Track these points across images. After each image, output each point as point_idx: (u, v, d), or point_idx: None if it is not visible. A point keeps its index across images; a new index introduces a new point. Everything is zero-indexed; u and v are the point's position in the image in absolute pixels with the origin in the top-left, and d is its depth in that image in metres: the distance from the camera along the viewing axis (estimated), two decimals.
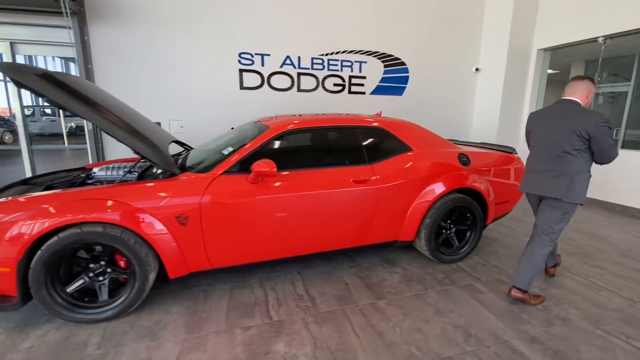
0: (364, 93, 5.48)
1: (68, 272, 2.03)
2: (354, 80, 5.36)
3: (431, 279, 2.63)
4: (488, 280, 2.63)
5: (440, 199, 2.69)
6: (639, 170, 4.49)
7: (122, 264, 2.06)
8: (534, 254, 2.26)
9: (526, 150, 2.53)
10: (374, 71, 5.45)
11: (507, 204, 3.21)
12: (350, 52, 5.22)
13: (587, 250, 3.25)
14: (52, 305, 1.90)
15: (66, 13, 3.51)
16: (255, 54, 4.76)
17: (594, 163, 2.19)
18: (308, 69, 5.06)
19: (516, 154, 3.28)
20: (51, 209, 1.83)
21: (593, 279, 2.69)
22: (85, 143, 4.32)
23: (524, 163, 3.22)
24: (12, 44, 3.91)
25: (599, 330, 2.04)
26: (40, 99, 2.12)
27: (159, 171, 2.42)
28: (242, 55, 4.70)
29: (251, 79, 4.82)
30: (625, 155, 4.53)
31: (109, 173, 2.46)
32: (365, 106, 5.40)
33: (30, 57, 5.51)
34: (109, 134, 2.03)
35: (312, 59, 5.04)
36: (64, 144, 10.11)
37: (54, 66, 5.95)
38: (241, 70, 4.75)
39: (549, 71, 6.00)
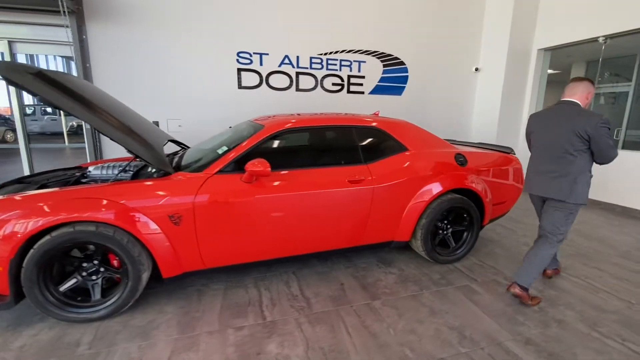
0: (362, 93, 5.46)
1: (61, 271, 2.02)
2: (352, 80, 5.34)
3: (427, 280, 2.61)
4: (484, 281, 2.61)
5: (436, 199, 2.67)
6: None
7: (115, 263, 2.05)
8: (540, 254, 2.28)
9: (525, 150, 2.52)
10: (373, 71, 5.43)
11: (505, 204, 3.19)
12: (349, 51, 5.20)
13: (585, 252, 3.23)
14: (44, 305, 1.89)
15: (64, 12, 3.51)
16: (254, 53, 4.75)
17: (594, 163, 2.21)
18: (307, 68, 5.05)
19: (514, 154, 3.26)
20: (45, 208, 1.82)
21: (591, 280, 2.67)
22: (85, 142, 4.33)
23: (522, 163, 3.23)
24: (10, 43, 3.91)
25: (595, 332, 2.02)
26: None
27: (154, 170, 2.41)
28: (241, 55, 4.70)
29: (249, 78, 4.81)
30: (625, 156, 4.50)
31: (103, 172, 2.46)
32: (364, 106, 5.38)
33: (31, 56, 5.52)
34: (101, 133, 2.02)
35: (311, 58, 5.03)
36: (64, 142, 10.13)
37: (55, 65, 5.97)
38: (239, 70, 4.74)
39: (550, 71, 5.97)
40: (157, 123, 4.45)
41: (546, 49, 5.62)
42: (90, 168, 2.51)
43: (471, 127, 6.33)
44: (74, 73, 4.16)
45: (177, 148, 3.42)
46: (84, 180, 2.39)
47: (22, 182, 2.42)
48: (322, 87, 5.20)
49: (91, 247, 2.01)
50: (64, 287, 1.95)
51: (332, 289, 2.45)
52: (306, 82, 5.10)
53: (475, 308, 2.25)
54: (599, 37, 4.76)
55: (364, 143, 2.66)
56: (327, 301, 2.29)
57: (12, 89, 3.98)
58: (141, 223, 1.97)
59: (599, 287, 2.56)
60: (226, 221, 2.16)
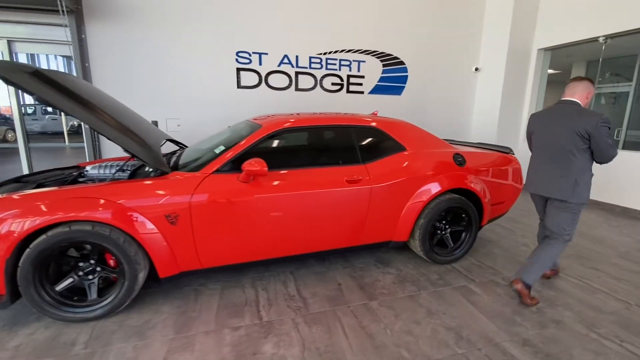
0: (362, 93, 5.45)
1: (57, 270, 2.02)
2: (352, 80, 5.34)
3: (425, 280, 2.60)
4: (482, 281, 2.60)
5: (434, 199, 2.66)
6: None
7: (111, 262, 2.05)
8: (548, 252, 2.29)
9: (525, 150, 2.52)
10: (373, 70, 5.42)
11: (504, 204, 3.18)
12: (349, 51, 5.19)
13: (584, 252, 3.21)
14: (40, 304, 1.89)
15: (63, 11, 3.51)
16: (253, 52, 4.74)
17: (594, 162, 2.22)
18: (306, 68, 5.04)
19: (513, 154, 3.25)
20: (42, 207, 1.82)
21: (589, 281, 2.66)
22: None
23: (522, 163, 3.22)
24: (10, 42, 3.91)
25: (593, 333, 2.01)
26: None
27: (151, 170, 2.41)
28: (240, 54, 4.69)
29: (249, 78, 4.81)
30: (626, 157, 4.48)
31: (101, 171, 2.46)
32: (364, 105, 5.38)
33: (32, 55, 5.52)
34: (98, 132, 2.02)
35: (310, 58, 5.02)
36: (65, 142, 10.14)
37: (57, 65, 5.98)
38: (239, 69, 4.73)
39: (550, 71, 5.96)
40: (156, 123, 4.45)
41: (546, 49, 5.61)
42: (88, 167, 2.51)
43: (471, 127, 6.32)
44: (74, 73, 4.16)
45: (177, 148, 3.42)
46: (81, 180, 2.38)
47: (20, 182, 2.42)
48: (322, 86, 5.19)
49: (87, 246, 2.01)
50: (60, 287, 1.94)
51: (329, 289, 2.44)
52: (305, 81, 5.09)
53: (473, 309, 2.24)
54: (599, 37, 4.74)
55: (362, 143, 2.66)
56: (324, 301, 2.28)
57: (11, 88, 3.99)
58: (137, 223, 1.96)
59: (597, 287, 2.55)
60: (223, 221, 2.15)
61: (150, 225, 1.99)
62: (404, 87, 5.69)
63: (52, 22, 3.82)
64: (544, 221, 2.46)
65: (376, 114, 3.30)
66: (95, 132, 4.28)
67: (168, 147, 3.48)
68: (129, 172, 2.39)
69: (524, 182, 3.12)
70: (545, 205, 2.43)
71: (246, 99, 4.84)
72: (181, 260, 2.13)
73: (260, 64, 4.81)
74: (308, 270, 2.72)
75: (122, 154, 3.20)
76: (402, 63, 5.57)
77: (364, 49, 5.28)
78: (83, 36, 4.01)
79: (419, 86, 5.76)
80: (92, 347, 1.80)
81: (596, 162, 2.21)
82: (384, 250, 3.12)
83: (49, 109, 11.85)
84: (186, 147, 3.36)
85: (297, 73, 5.01)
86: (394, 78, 5.59)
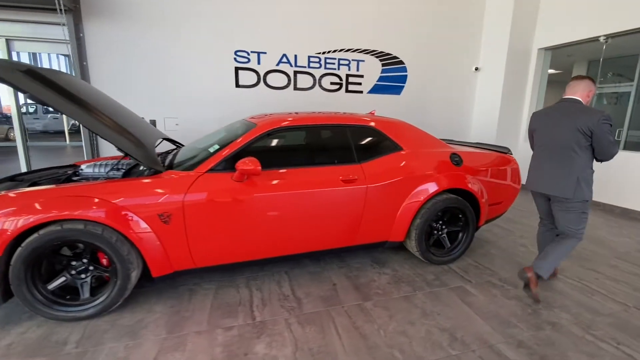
0: (361, 92, 5.44)
1: (50, 269, 2.01)
2: (351, 79, 5.32)
3: (421, 281, 2.58)
4: (479, 282, 2.58)
5: (431, 199, 2.64)
6: None
7: (104, 262, 2.04)
8: (565, 245, 2.31)
9: (526, 150, 2.52)
10: (372, 70, 5.41)
11: (502, 205, 3.16)
12: (348, 50, 5.18)
13: (583, 253, 3.19)
14: (32, 303, 1.88)
15: (60, 10, 3.51)
16: (252, 51, 4.74)
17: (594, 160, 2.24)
18: (305, 67, 5.03)
19: (511, 154, 3.23)
20: (36, 205, 1.81)
21: (587, 282, 2.63)
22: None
23: (520, 164, 3.20)
24: (8, 41, 3.91)
25: (589, 335, 1.99)
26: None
27: (145, 169, 2.40)
28: (238, 53, 4.68)
29: (247, 77, 4.80)
30: (626, 157, 4.45)
31: (95, 170, 2.45)
32: (363, 105, 5.36)
33: (34, 55, 5.53)
34: (91, 130, 2.01)
35: (309, 57, 5.01)
36: (65, 141, 10.16)
37: (58, 64, 5.99)
38: (237, 68, 4.73)
39: (551, 71, 5.92)
40: (154, 122, 4.45)
41: (546, 49, 5.58)
42: (83, 166, 2.50)
43: (471, 127, 6.29)
44: (72, 71, 4.16)
45: (175, 147, 3.41)
46: (75, 179, 2.38)
47: (15, 180, 2.41)
48: (320, 86, 5.18)
49: (80, 245, 2.00)
50: (52, 286, 1.94)
51: (323, 289, 2.43)
52: (304, 81, 5.08)
53: (468, 310, 2.22)
54: (599, 36, 4.71)
55: (358, 142, 2.64)
56: (318, 301, 2.27)
57: (9, 87, 3.99)
58: (130, 221, 1.95)
59: (595, 289, 2.53)
60: (216, 220, 2.14)
61: (143, 224, 1.98)
62: (403, 86, 5.67)
63: (50, 21, 3.83)
64: (550, 221, 2.46)
65: (373, 114, 3.28)
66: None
67: (166, 147, 3.48)
68: (123, 170, 2.38)
69: (522, 182, 3.10)
70: (546, 204, 2.44)
71: (245, 98, 4.83)
72: (174, 260, 2.12)
73: (258, 63, 4.81)
74: (303, 270, 2.70)
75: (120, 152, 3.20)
76: (401, 62, 5.55)
77: (363, 48, 5.26)
78: (81, 35, 4.01)
79: (419, 86, 5.74)
80: (84, 346, 1.79)
81: (597, 160, 2.21)
82: (380, 250, 3.10)
83: (50, 108, 11.89)
84: (183, 146, 3.35)
85: (295, 72, 5.00)
86: (393, 77, 5.57)
